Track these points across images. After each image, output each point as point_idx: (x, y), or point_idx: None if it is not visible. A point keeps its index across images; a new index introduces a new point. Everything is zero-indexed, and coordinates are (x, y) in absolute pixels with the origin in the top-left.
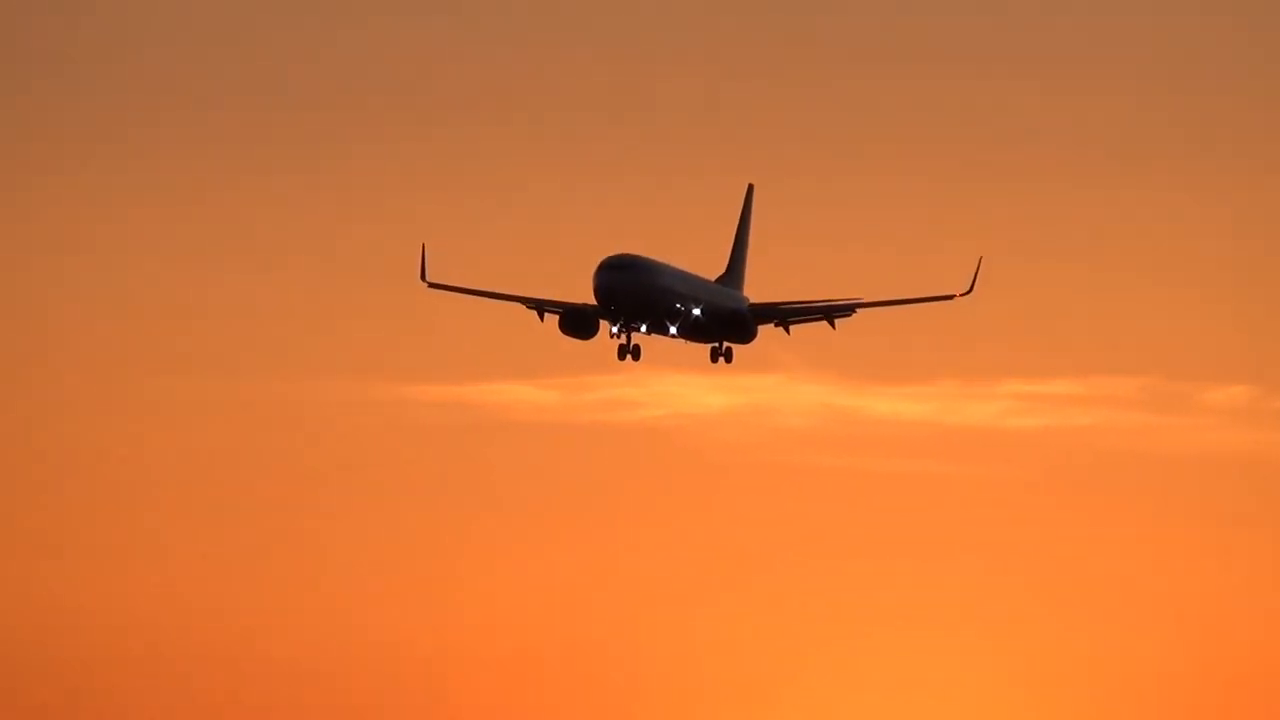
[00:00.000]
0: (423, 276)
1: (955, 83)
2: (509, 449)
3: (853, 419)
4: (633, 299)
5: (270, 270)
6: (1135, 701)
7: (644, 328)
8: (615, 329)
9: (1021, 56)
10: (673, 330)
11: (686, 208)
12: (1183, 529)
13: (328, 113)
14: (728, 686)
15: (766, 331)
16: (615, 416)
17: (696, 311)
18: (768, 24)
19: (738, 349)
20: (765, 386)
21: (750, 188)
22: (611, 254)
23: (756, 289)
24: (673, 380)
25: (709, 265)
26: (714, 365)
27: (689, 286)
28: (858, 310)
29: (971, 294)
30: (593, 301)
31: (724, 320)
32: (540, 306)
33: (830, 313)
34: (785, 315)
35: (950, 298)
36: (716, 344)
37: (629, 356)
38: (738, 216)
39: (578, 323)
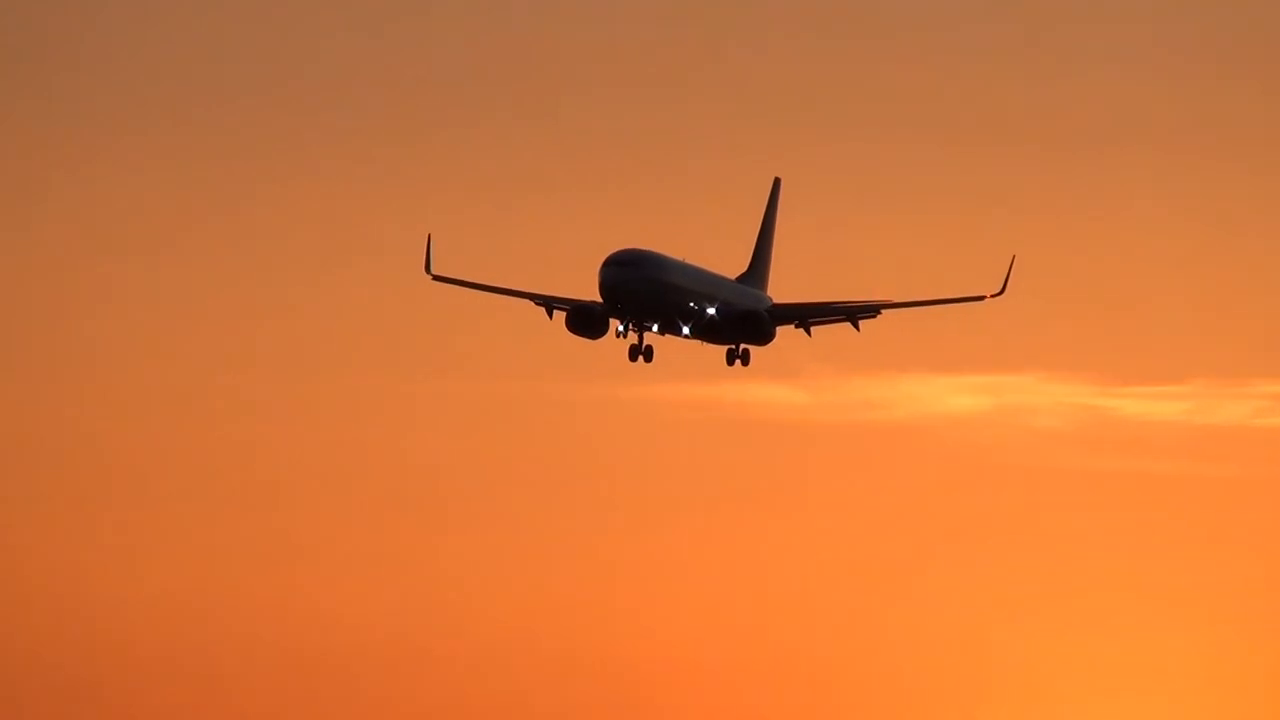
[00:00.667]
0: (427, 269)
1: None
2: (755, 449)
3: (1105, 419)
4: (640, 297)
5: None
6: None
7: (655, 327)
8: (622, 328)
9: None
10: (685, 330)
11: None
12: None
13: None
14: (993, 687)
15: (786, 333)
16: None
17: (710, 311)
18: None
19: (756, 351)
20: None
21: (777, 182)
22: (619, 249)
23: (781, 289)
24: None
25: (730, 263)
26: (730, 368)
27: (703, 284)
28: (882, 311)
29: (1003, 294)
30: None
31: (740, 321)
32: (548, 303)
33: (853, 314)
34: (805, 316)
35: (981, 298)
36: (733, 346)
37: (641, 357)
38: (762, 212)
39: (585, 321)
